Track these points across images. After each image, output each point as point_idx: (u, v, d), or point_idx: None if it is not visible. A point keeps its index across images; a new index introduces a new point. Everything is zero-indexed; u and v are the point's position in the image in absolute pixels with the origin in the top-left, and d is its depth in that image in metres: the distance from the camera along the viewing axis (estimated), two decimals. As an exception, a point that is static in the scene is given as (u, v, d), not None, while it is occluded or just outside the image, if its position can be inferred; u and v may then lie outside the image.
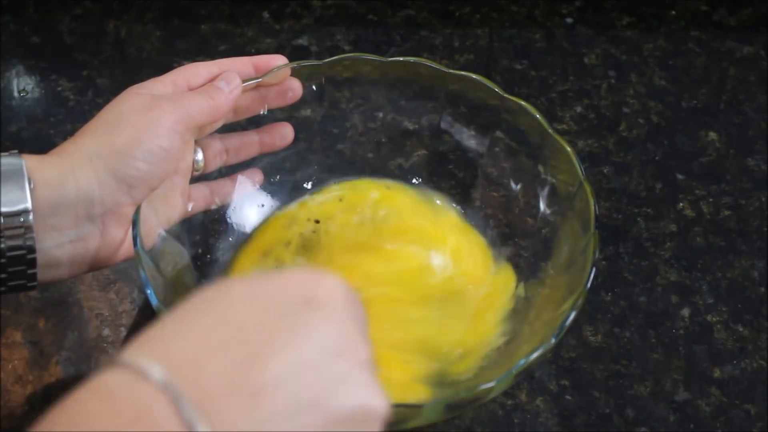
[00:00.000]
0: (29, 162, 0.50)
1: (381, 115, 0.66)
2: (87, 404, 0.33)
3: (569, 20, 0.82)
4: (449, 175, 0.65)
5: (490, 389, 0.50)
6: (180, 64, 0.75)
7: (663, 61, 0.79)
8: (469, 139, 0.65)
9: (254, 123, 0.62)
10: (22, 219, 0.48)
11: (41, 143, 0.71)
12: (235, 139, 0.61)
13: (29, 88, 0.76)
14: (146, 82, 0.56)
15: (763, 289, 0.66)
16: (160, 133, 0.52)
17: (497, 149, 0.64)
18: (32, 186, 0.49)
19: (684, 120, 0.75)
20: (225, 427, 0.33)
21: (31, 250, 0.50)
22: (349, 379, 0.36)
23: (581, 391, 0.61)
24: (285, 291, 0.37)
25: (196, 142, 0.57)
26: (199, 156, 0.58)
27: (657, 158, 0.73)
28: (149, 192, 0.53)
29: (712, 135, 0.74)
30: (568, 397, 0.60)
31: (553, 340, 0.51)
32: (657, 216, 0.69)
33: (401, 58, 0.63)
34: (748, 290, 0.66)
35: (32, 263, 0.50)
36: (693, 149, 0.73)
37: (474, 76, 0.62)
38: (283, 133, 0.63)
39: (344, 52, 0.78)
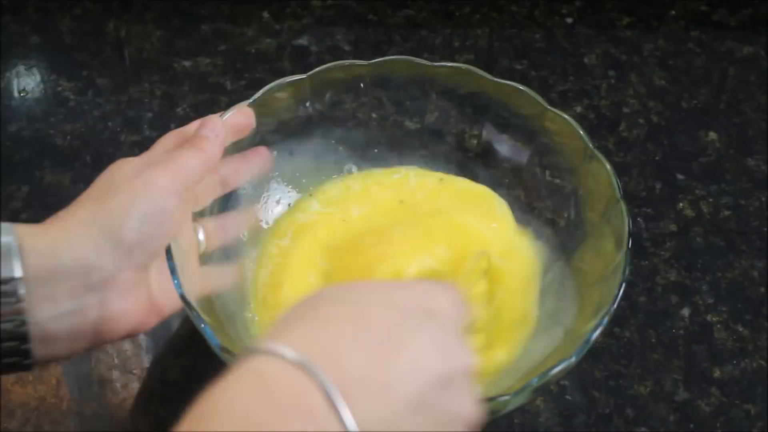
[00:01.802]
0: (20, 229, 0.47)
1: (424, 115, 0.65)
2: (246, 388, 0.37)
3: (569, 20, 0.82)
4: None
5: (506, 402, 0.48)
6: (180, 64, 0.75)
7: (663, 61, 0.79)
8: (508, 152, 0.63)
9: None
10: (11, 287, 0.45)
11: (41, 143, 0.71)
12: (228, 167, 0.59)
13: (29, 88, 0.76)
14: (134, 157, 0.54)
15: (763, 289, 0.66)
16: (155, 193, 0.50)
17: (534, 166, 0.62)
18: (23, 254, 0.46)
19: (684, 120, 0.75)
20: (358, 418, 0.37)
21: (23, 322, 0.46)
22: (455, 383, 0.40)
23: (581, 391, 0.61)
24: (411, 299, 0.42)
25: (195, 221, 0.56)
26: (201, 236, 0.57)
27: (657, 158, 0.73)
28: (150, 256, 0.51)
29: (712, 135, 0.74)
30: (568, 397, 0.60)
31: (573, 359, 0.49)
32: (657, 216, 0.69)
33: (449, 64, 0.61)
34: (748, 290, 0.66)
35: (24, 338, 0.47)
36: (693, 149, 0.73)
37: (519, 87, 0.60)
38: (265, 157, 0.62)
39: (344, 51, 0.78)
